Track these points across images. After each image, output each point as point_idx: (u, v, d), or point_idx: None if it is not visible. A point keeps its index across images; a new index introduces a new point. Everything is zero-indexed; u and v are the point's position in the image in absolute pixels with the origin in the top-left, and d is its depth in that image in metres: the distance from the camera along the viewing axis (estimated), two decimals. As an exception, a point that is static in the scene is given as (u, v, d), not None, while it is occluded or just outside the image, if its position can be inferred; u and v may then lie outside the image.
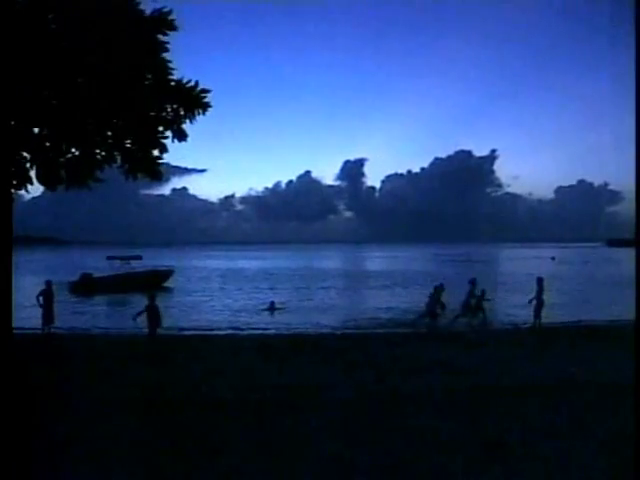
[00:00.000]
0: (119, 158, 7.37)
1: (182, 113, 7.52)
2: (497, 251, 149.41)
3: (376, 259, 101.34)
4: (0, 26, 7.01)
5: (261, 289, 38.75)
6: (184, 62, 8.16)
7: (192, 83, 7.49)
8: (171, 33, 7.82)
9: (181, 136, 7.66)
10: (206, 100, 7.46)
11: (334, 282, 45.89)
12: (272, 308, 26.27)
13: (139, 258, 51.39)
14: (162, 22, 7.50)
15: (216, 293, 36.12)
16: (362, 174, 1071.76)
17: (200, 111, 7.51)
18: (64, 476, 5.79)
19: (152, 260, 67.44)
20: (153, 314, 13.03)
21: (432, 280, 28.20)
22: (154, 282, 37.67)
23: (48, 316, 16.61)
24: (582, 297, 31.08)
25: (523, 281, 43.19)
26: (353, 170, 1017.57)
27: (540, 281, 19.30)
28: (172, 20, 7.40)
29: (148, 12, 7.69)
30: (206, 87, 7.48)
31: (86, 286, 34.87)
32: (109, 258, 51.55)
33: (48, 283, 17.19)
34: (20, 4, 7.35)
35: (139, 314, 13.67)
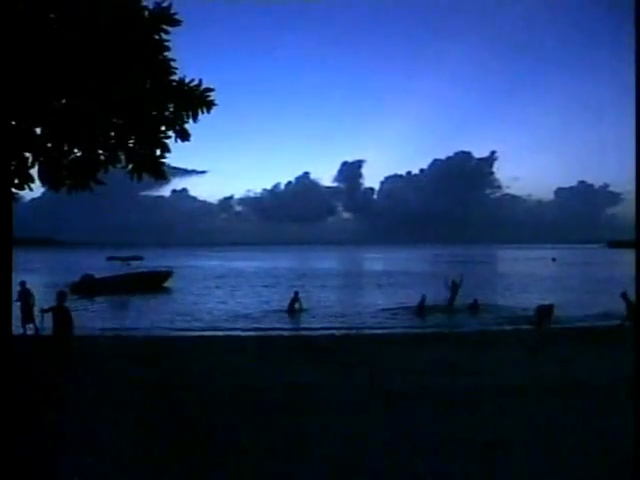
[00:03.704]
0: (123, 158, 7.37)
1: (184, 113, 7.54)
2: (496, 252, 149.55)
3: (374, 260, 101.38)
4: (1, 25, 7.04)
5: (259, 290, 38.84)
6: (183, 63, 8.17)
7: (195, 82, 7.50)
8: (172, 33, 7.87)
9: (184, 136, 7.66)
10: (210, 99, 7.46)
11: (333, 282, 45.95)
12: (300, 309, 26.23)
13: (140, 259, 51.30)
14: (163, 18, 7.51)
15: (214, 293, 36.16)
16: (360, 175, 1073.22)
17: (205, 110, 7.51)
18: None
19: (152, 261, 67.45)
20: (63, 316, 12.03)
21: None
22: (154, 283, 37.84)
23: (27, 317, 16.65)
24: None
25: (530, 281, 43.42)
26: (351, 171, 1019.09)
27: None
28: (173, 15, 7.39)
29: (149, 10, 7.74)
30: (209, 86, 7.49)
31: (87, 287, 34.92)
32: (109, 259, 51.47)
33: (22, 284, 17.18)
34: (21, 3, 7.38)
35: (45, 311, 12.68)
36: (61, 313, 11.53)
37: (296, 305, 26.11)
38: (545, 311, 21.27)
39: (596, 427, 7.11)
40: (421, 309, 25.33)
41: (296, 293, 26.73)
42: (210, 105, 7.50)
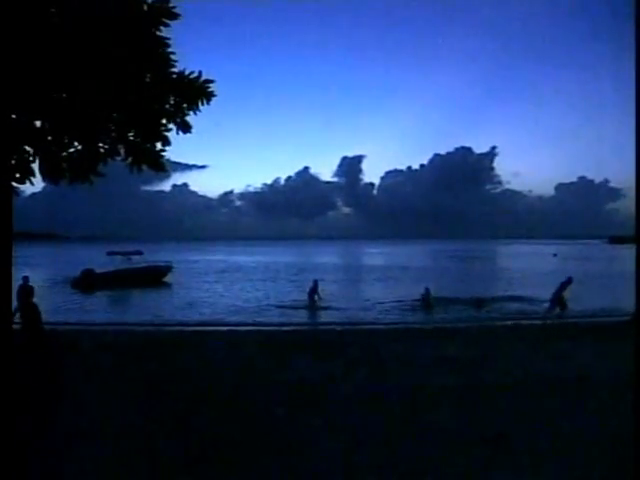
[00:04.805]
0: (123, 151, 7.38)
1: (185, 105, 7.53)
2: (497, 248, 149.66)
3: (375, 255, 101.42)
4: (0, 19, 7.01)
5: (259, 284, 38.87)
6: (184, 59, 8.15)
7: (195, 74, 7.50)
8: (172, 26, 7.83)
9: (185, 128, 7.67)
10: (210, 90, 7.47)
11: (333, 276, 45.96)
12: (320, 304, 25.39)
13: (140, 253, 51.48)
14: (162, 12, 7.48)
15: (214, 288, 36.17)
16: (360, 170, 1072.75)
17: (205, 100, 7.51)
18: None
19: (152, 255, 67.59)
20: (30, 311, 11.81)
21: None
22: (154, 277, 37.92)
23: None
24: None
25: (532, 276, 43.49)
26: (351, 166, 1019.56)
27: None
28: (172, 8, 7.39)
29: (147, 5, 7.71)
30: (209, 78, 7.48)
31: (88, 282, 34.99)
32: (110, 253, 51.59)
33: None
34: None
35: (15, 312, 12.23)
36: (28, 309, 11.37)
37: (315, 297, 25.25)
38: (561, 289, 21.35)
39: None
40: (425, 303, 25.33)
41: (315, 282, 25.64)
42: (210, 96, 7.50)
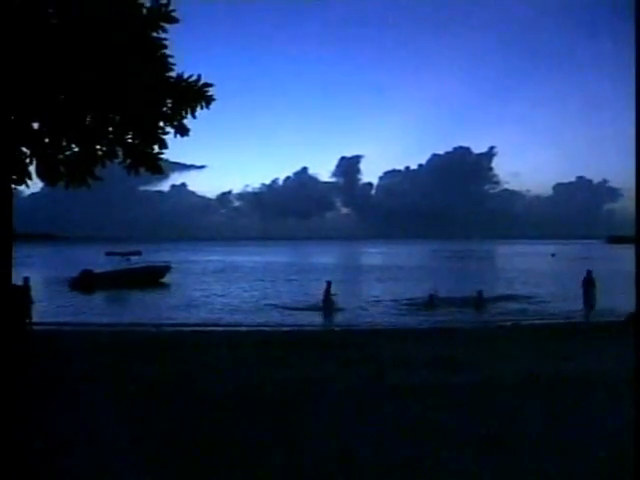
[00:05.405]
0: (121, 153, 7.38)
1: (182, 108, 7.53)
2: (496, 248, 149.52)
3: (373, 255, 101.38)
4: (0, 22, 7.01)
5: (258, 284, 38.86)
6: (182, 59, 8.15)
7: (194, 77, 7.49)
8: (171, 29, 7.84)
9: (182, 131, 7.67)
10: (209, 94, 7.46)
11: (332, 277, 45.90)
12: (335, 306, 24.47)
13: (138, 254, 51.27)
14: (161, 16, 7.49)
15: (212, 288, 36.13)
16: (358, 170, 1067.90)
17: (204, 104, 7.51)
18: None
19: (151, 256, 67.48)
20: (18, 310, 11.49)
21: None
22: (152, 278, 37.94)
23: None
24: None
25: (531, 277, 43.50)
26: (349, 166, 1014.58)
27: None
28: (171, 12, 7.40)
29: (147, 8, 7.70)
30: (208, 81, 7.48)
31: (86, 282, 34.97)
32: (108, 254, 51.45)
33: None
34: (21, 0, 7.34)
35: None
36: (16, 309, 11.21)
37: (332, 298, 23.76)
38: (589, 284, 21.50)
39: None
40: (429, 303, 25.42)
41: (329, 283, 24.18)
42: (209, 100, 7.49)
